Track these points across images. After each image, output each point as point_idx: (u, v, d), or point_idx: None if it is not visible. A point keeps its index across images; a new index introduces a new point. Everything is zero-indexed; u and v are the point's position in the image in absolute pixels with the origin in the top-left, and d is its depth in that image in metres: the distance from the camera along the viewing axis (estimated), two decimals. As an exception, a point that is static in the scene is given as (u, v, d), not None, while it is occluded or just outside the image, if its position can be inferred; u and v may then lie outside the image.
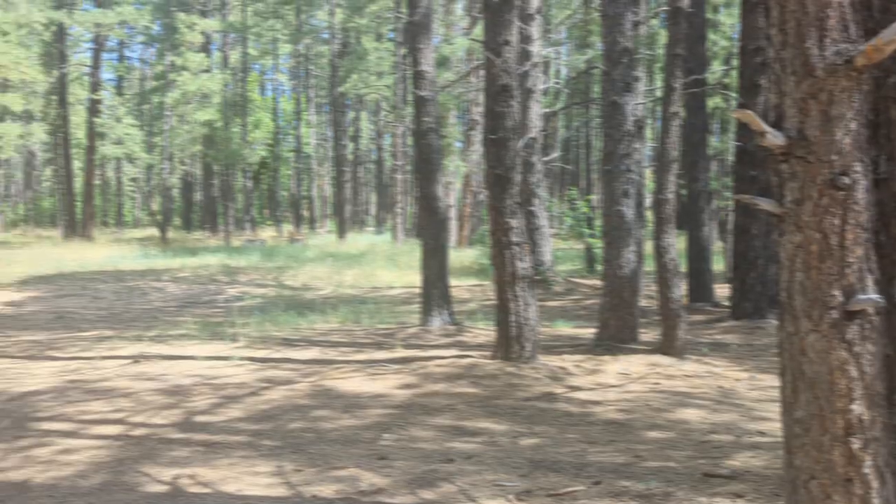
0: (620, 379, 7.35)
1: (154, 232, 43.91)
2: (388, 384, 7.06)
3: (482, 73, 27.03)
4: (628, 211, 8.89)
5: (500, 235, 7.61)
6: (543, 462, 4.70)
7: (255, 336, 10.06)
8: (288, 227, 50.19)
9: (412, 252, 27.17)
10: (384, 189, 54.16)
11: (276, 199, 59.67)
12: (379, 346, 9.30)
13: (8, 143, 30.15)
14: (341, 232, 37.84)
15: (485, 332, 10.22)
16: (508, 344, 7.63)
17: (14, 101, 22.13)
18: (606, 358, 8.18)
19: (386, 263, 24.29)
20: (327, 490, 4.22)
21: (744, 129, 11.69)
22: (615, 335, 8.88)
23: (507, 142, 7.52)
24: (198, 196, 56.82)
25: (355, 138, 52.68)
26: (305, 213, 57.72)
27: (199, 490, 4.28)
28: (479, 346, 8.85)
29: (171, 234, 42.10)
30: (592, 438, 5.31)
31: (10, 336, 11.26)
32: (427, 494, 4.14)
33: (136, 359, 8.42)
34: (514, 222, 7.56)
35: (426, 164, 10.86)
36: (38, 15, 22.10)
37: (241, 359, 8.32)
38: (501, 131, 7.48)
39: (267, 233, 47.12)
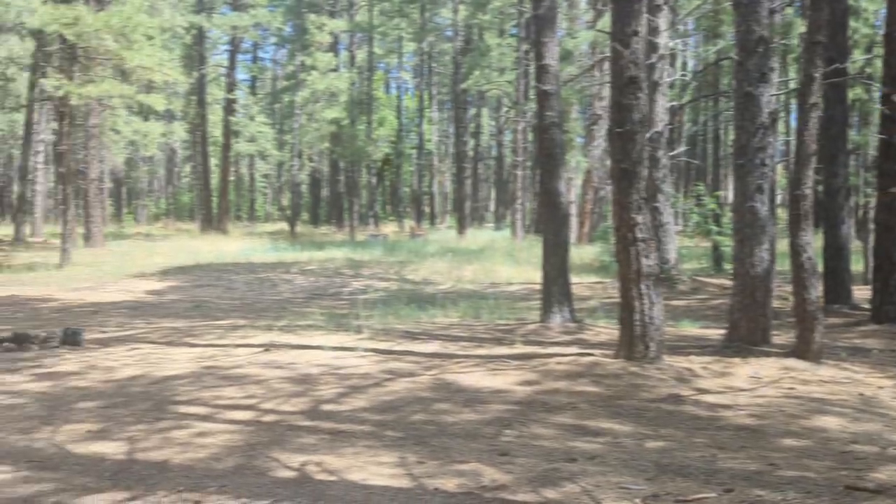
0: (751, 383, 7.04)
1: (283, 226, 45.61)
2: (508, 380, 7.03)
3: (606, 66, 26.51)
4: (762, 207, 8.48)
5: (625, 231, 7.43)
6: (670, 466, 4.55)
7: (379, 328, 10.25)
8: (409, 223, 50.96)
9: (531, 248, 27.02)
10: (503, 185, 54.10)
11: (398, 195, 60.78)
12: (499, 341, 9.29)
13: (152, 140, 32.09)
14: (461, 227, 38.11)
15: (606, 330, 10.03)
16: (632, 343, 7.45)
17: (157, 101, 23.50)
18: (736, 360, 7.85)
19: (505, 259, 24.27)
20: (449, 483, 4.24)
21: (889, 122, 10.96)
22: (746, 337, 8.51)
23: (633, 135, 7.33)
24: (324, 192, 58.63)
25: (476, 134, 52.90)
26: (426, 209, 58.50)
27: (326, 477, 4.38)
28: (601, 345, 8.69)
29: (299, 228, 43.60)
30: (722, 444, 5.10)
31: (151, 322, 11.96)
32: (550, 493, 4.08)
33: (267, 347, 8.75)
34: (639, 218, 7.37)
35: (549, 159, 10.75)
36: (180, 19, 23.47)
37: (366, 350, 8.49)
38: (628, 124, 7.29)
39: (389, 228, 48.05)
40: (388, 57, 55.08)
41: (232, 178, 50.62)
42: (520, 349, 8.60)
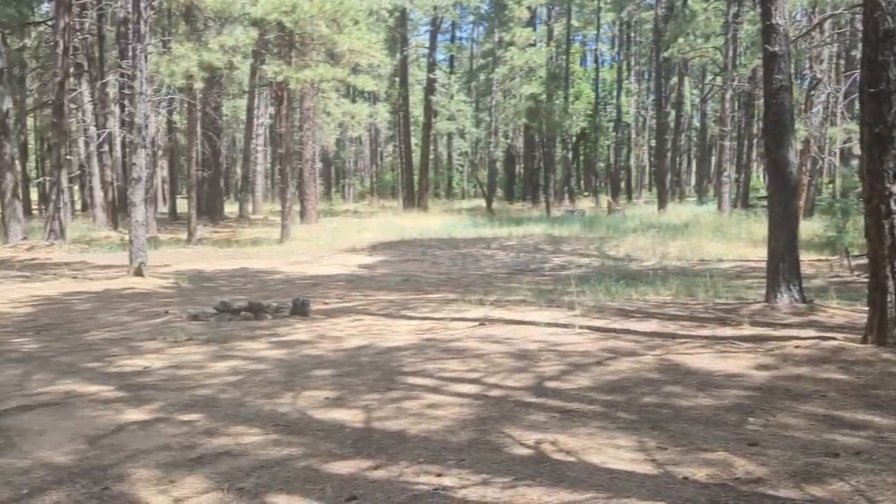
0: None
1: (480, 203, 46.23)
2: (741, 363, 6.57)
3: (827, 27, 24.28)
4: None
5: (877, 203, 6.68)
6: (956, 468, 4.00)
7: (591, 305, 10.01)
8: (605, 198, 50.00)
9: (740, 223, 25.55)
10: (705, 157, 51.59)
11: (593, 170, 59.72)
12: (722, 321, 8.76)
13: (359, 121, 33.60)
14: (661, 202, 36.81)
15: (841, 312, 9.18)
16: (884, 327, 6.71)
17: (366, 82, 24.52)
18: None
19: (712, 235, 23.16)
20: (699, 473, 3.97)
21: None
22: None
23: (889, 95, 6.54)
24: (518, 168, 58.77)
25: (678, 105, 50.70)
26: (622, 184, 57.02)
27: (563, 458, 4.25)
28: (840, 328, 7.94)
29: (495, 204, 43.99)
30: None
31: (368, 295, 12.45)
32: (815, 490, 3.71)
33: (482, 321, 8.79)
34: (895, 188, 6.60)
35: (776, 126, 9.93)
36: (385, 2, 24.24)
37: (581, 327, 8.30)
38: (884, 83, 6.52)
39: (585, 203, 47.37)
40: (585, 29, 54.03)
41: (430, 157, 51.95)
42: (747, 330, 8.05)
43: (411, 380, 6.19)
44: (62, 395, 5.90)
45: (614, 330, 8.23)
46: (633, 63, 58.05)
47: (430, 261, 19.56)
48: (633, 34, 55.33)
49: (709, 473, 3.96)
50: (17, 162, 25.01)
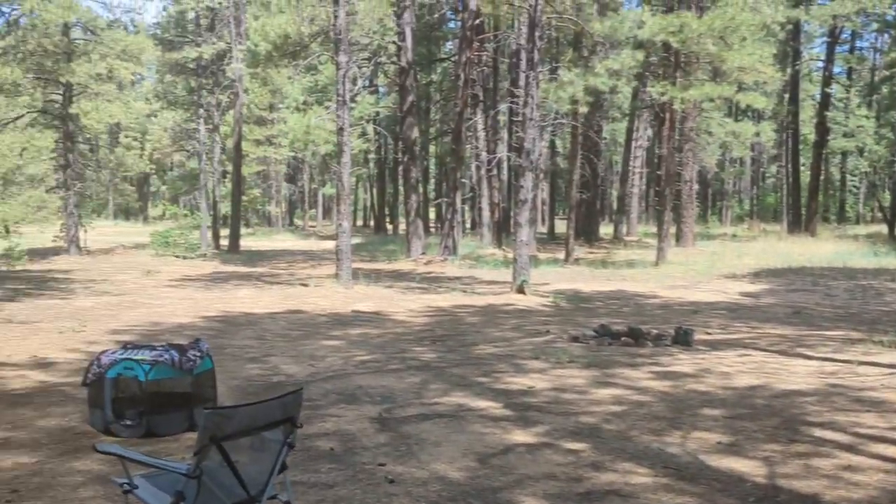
0: None
1: (879, 228, 40.92)
2: None
3: None
4: None
5: None
6: None
7: None
8: None
9: None
10: None
11: None
12: None
13: (743, 141, 31.75)
14: None
15: None
16: None
17: (755, 100, 23.06)
18: None
19: None
20: None
21: None
22: None
23: None
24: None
25: None
26: None
27: None
28: None
29: (900, 231, 38.52)
30: None
31: (754, 328, 11.51)
32: None
33: (902, 370, 7.56)
34: None
35: None
36: (779, 15, 22.58)
37: None
38: None
39: None
40: None
41: (821, 177, 47.40)
42: None
43: (818, 432, 5.44)
44: (454, 408, 6.20)
45: None
46: None
47: (823, 292, 17.63)
48: None
49: None
50: (419, 185, 27.91)
